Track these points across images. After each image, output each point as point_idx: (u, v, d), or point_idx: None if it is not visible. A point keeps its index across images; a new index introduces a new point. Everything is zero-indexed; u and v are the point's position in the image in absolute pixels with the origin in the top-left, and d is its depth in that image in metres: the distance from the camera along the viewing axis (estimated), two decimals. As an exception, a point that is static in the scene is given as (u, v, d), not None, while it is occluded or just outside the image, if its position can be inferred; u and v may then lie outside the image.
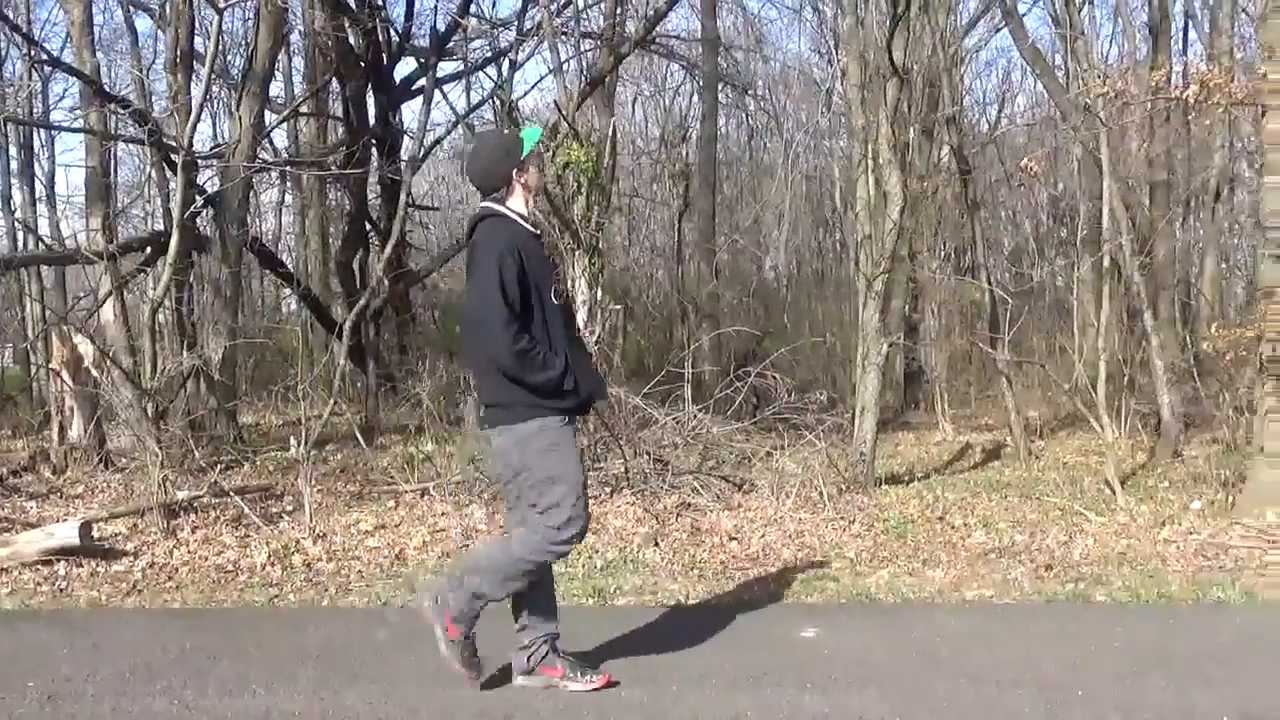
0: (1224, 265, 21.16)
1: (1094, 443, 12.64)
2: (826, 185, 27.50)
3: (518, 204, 4.94)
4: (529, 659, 5.01)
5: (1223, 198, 19.66)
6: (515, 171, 4.91)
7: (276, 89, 20.44)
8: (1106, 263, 11.93)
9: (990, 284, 15.91)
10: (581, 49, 15.59)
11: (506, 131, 5.41)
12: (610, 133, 13.14)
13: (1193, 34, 23.00)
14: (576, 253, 11.02)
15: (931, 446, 14.89)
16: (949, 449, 14.47)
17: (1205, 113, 8.89)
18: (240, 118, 13.26)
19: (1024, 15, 28.04)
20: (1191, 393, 13.98)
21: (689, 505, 9.36)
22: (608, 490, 9.66)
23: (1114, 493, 9.83)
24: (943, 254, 20.87)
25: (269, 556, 7.85)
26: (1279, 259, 8.72)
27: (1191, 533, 8.38)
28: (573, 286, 10.87)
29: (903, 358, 19.92)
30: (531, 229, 4.98)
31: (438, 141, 21.43)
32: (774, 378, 11.34)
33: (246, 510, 8.93)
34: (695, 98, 24.77)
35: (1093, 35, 19.89)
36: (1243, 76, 9.95)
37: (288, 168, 18.00)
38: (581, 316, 10.84)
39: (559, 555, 5.00)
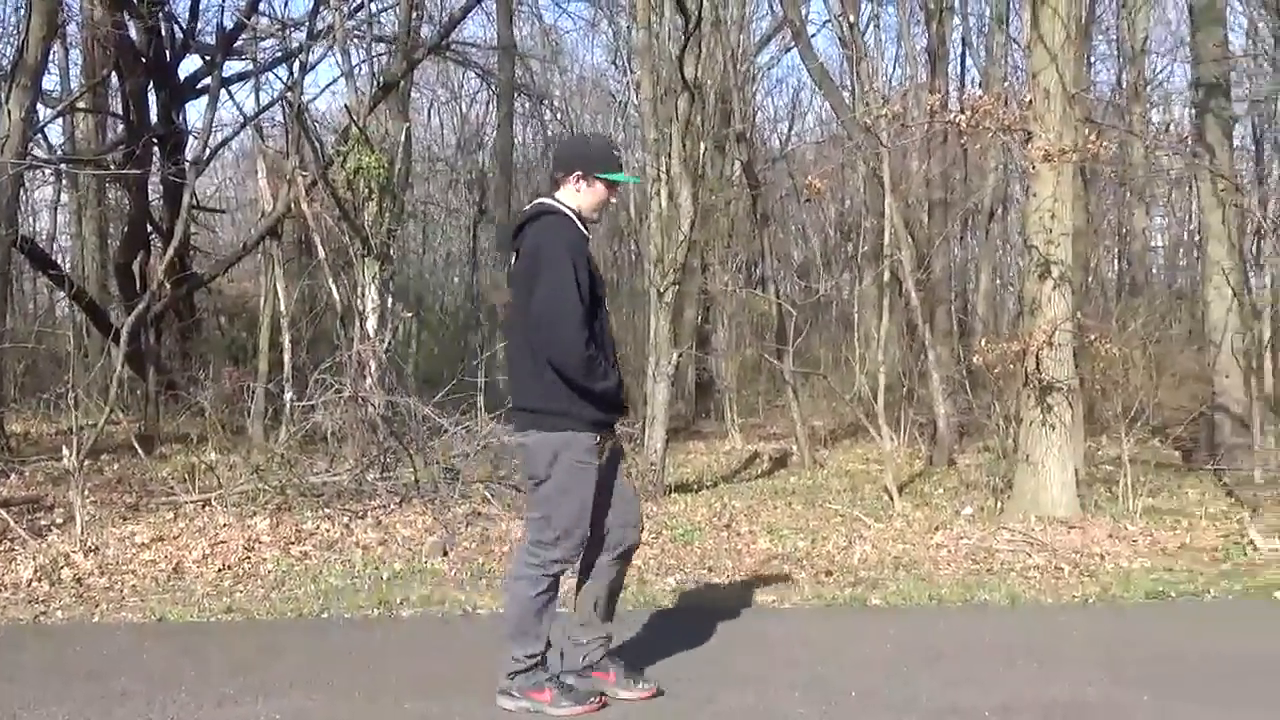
0: (998, 281, 22.14)
1: (875, 451, 13.08)
2: (622, 197, 27.74)
3: (572, 204, 4.83)
4: (584, 657, 4.93)
5: (996, 217, 20.63)
6: (580, 173, 4.79)
7: (51, 82, 19.47)
8: (887, 277, 12.38)
9: (778, 297, 16.31)
10: (374, 53, 15.36)
11: (615, 148, 5.14)
12: (404, 139, 13.00)
13: (971, 61, 24.09)
14: (366, 259, 10.85)
15: (721, 455, 15.18)
16: (738, 457, 14.77)
17: (977, 136, 9.30)
18: (9, 111, 12.61)
19: (814, 36, 28.90)
20: (966, 403, 14.60)
21: (480, 514, 9.30)
22: (397, 500, 9.54)
23: (892, 499, 10.20)
24: (734, 267, 21.28)
25: (35, 572, 7.47)
26: (1043, 276, 9.19)
27: (962, 537, 8.74)
28: (362, 294, 10.71)
29: (694, 368, 20.26)
30: (585, 233, 4.85)
31: (224, 143, 20.80)
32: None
33: (12, 523, 8.49)
34: (491, 106, 24.68)
35: (877, 58, 20.66)
36: (1015, 103, 10.46)
37: (63, 165, 17.19)
38: (371, 324, 10.69)
39: (554, 574, 4.79)
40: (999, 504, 9.86)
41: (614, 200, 5.02)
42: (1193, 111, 14.05)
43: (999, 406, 12.53)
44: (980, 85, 19.52)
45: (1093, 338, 9.87)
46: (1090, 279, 20.40)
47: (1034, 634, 6.24)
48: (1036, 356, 9.17)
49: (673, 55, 11.68)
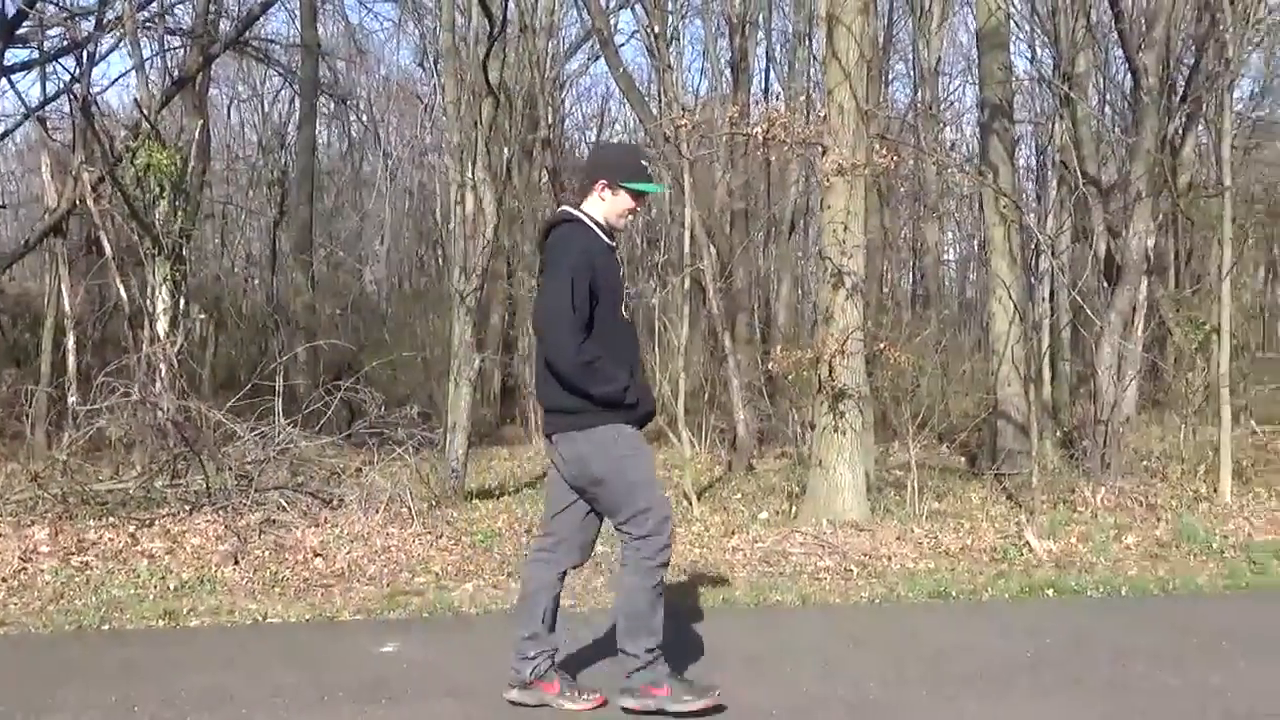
0: (799, 291, 22.74)
1: (676, 456, 13.24)
2: (429, 200, 27.52)
3: (596, 212, 4.84)
4: (530, 671, 4.88)
5: (797, 229, 21.17)
6: (606, 182, 4.81)
7: None
8: (689, 285, 12.56)
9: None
10: (167, 46, 14.87)
11: (644, 158, 5.08)
12: (199, 135, 12.62)
13: (774, 75, 24.67)
14: (157, 258, 10.49)
15: (525, 461, 15.18)
16: (541, 464, 14.76)
17: (775, 149, 9.53)
18: None
19: (622, 46, 29.16)
20: (765, 410, 14.94)
21: (274, 522, 9.06)
22: (187, 508, 9.23)
23: (690, 504, 10.35)
24: (540, 272, 21.33)
25: None
26: (836, 287, 9.47)
27: (757, 541, 8.92)
28: (152, 294, 10.35)
29: (500, 373, 20.21)
30: (608, 241, 4.86)
31: (5, 134, 19.84)
32: (369, 392, 11.21)
33: None
34: (294, 104, 24.17)
35: (681, 69, 20.97)
36: (812, 117, 10.76)
37: None
38: (162, 326, 10.33)
39: (663, 563, 4.85)
40: (794, 508, 10.11)
41: (640, 210, 5.11)
42: (978, 131, 14.64)
43: (796, 413, 12.88)
44: (783, 99, 20.00)
45: (882, 346, 10.21)
46: (885, 290, 21.10)
47: (822, 634, 6.42)
48: (829, 364, 9.42)
49: (478, 58, 11.63)
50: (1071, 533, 9.11)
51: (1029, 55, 22.73)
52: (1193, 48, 16.59)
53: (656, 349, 13.47)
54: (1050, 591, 7.46)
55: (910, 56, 25.63)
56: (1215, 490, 10.47)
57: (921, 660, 5.73)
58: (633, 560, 4.80)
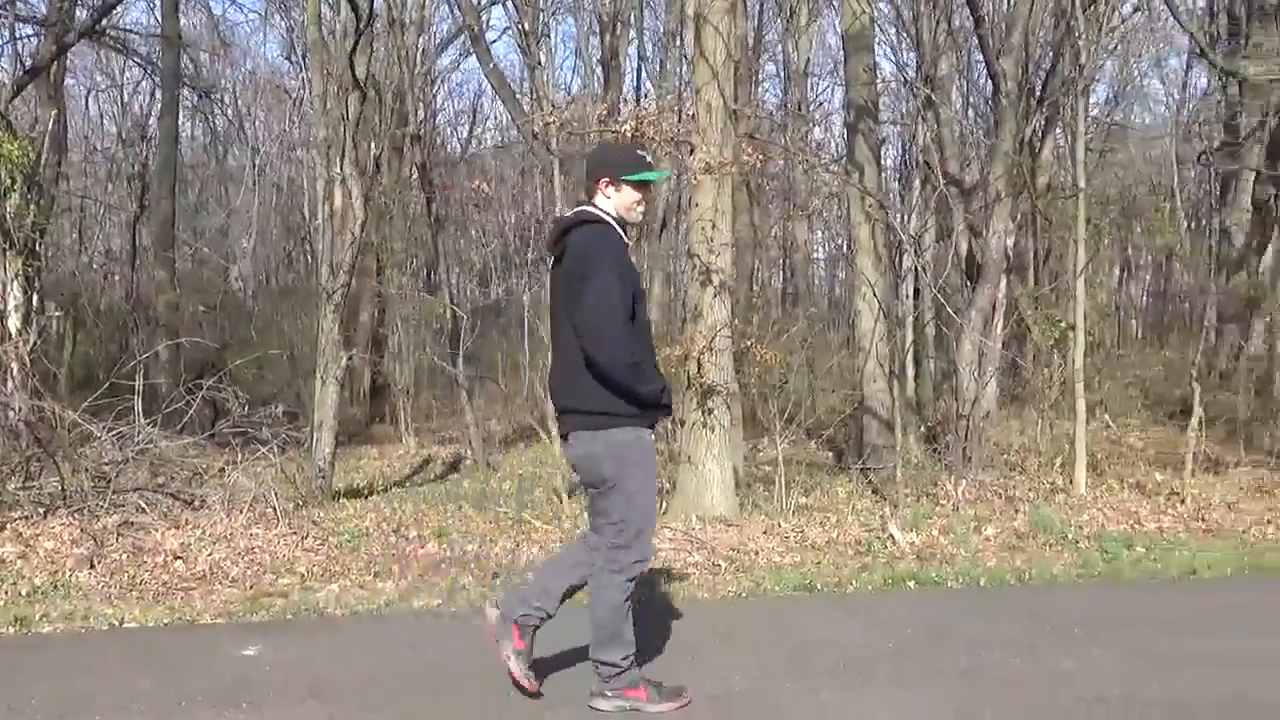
0: (671, 289, 22.84)
1: (549, 454, 13.23)
2: (297, 195, 27.07)
3: (607, 208, 4.89)
4: (517, 615, 4.97)
5: (669, 226, 21.27)
6: (607, 179, 4.87)
7: None
8: (558, 283, 12.51)
9: (451, 300, 16.28)
10: (19, 34, 14.38)
11: (640, 149, 5.39)
12: (53, 126, 12.23)
13: (646, 74, 24.75)
14: (8, 253, 10.14)
15: (394, 459, 15.02)
16: (411, 462, 14.65)
17: (643, 146, 9.54)
18: None
19: (494, 42, 29.03)
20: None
21: (132, 524, 8.83)
22: (41, 510, 8.94)
23: (561, 501, 10.34)
24: (411, 270, 21.11)
25: None
26: (704, 284, 9.55)
27: (626, 537, 8.94)
28: (3, 291, 10.01)
29: (370, 371, 19.97)
30: (624, 238, 4.90)
31: None
32: (233, 390, 10.99)
33: None
34: (155, 96, 23.57)
35: (554, 67, 20.95)
36: (686, 115, 10.82)
37: None
38: (14, 323, 10.00)
39: (633, 577, 4.85)
40: (663, 504, 10.16)
41: (648, 200, 5.13)
42: (845, 131, 14.87)
43: (668, 410, 12.92)
44: (651, 98, 20.10)
45: (749, 343, 10.33)
46: (755, 288, 21.33)
47: (689, 628, 6.46)
48: (698, 361, 9.50)
49: (346, 53, 11.47)
50: (933, 525, 9.31)
51: (894, 58, 23.21)
52: (1050, 53, 17.10)
53: (527, 346, 13.41)
54: (912, 583, 7.63)
55: (780, 57, 25.96)
56: (1071, 482, 10.79)
57: (786, 653, 5.81)
58: (603, 570, 4.84)
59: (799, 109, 23.44)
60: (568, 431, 4.88)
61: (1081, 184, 11.37)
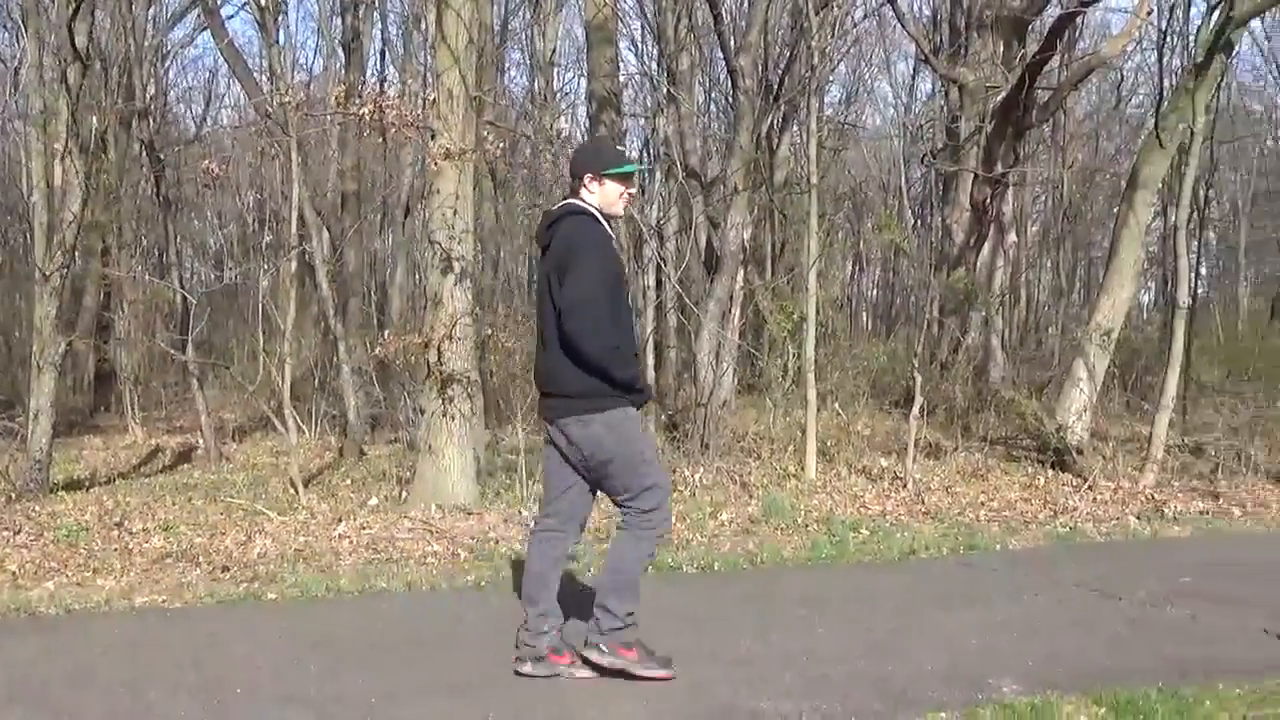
0: (415, 275, 22.58)
1: (284, 443, 12.87)
2: (14, 170, 25.46)
3: (595, 204, 5.13)
4: (546, 645, 5.15)
5: (413, 212, 21.00)
6: (590, 175, 5.11)
7: None
8: (294, 268, 12.21)
9: (181, 284, 15.63)
10: None
11: (616, 143, 5.01)
12: None
13: (390, 58, 24.34)
14: None
15: (120, 450, 14.34)
16: (138, 452, 14.02)
17: (384, 131, 9.38)
18: None
19: (231, 18, 28.01)
20: (379, 395, 14.75)
21: None
22: None
23: (297, 492, 10.08)
24: (141, 251, 20.16)
25: None
26: (445, 272, 9.46)
27: (365, 528, 8.81)
28: None
29: (95, 357, 19.00)
30: (609, 230, 5.13)
31: None
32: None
33: None
34: None
35: (295, 46, 20.35)
36: (430, 100, 10.65)
37: None
38: None
39: (663, 534, 5.33)
40: (404, 494, 10.04)
41: (631, 192, 5.34)
42: (588, 122, 15.00)
43: (409, 398, 12.78)
44: (395, 82, 19.79)
45: (489, 331, 10.30)
46: (503, 276, 21.30)
47: (426, 619, 6.41)
48: (438, 349, 9.41)
49: (64, 20, 10.84)
50: (672, 511, 9.48)
51: (638, 51, 23.53)
52: (787, 53, 17.65)
53: (261, 333, 13.00)
54: (650, 569, 7.75)
55: (526, 46, 25.96)
56: (802, 468, 11.20)
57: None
58: (636, 527, 5.13)
59: (545, 98, 23.49)
60: (559, 416, 5.08)
61: (815, 180, 11.79)
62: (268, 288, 13.57)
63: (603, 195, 5.15)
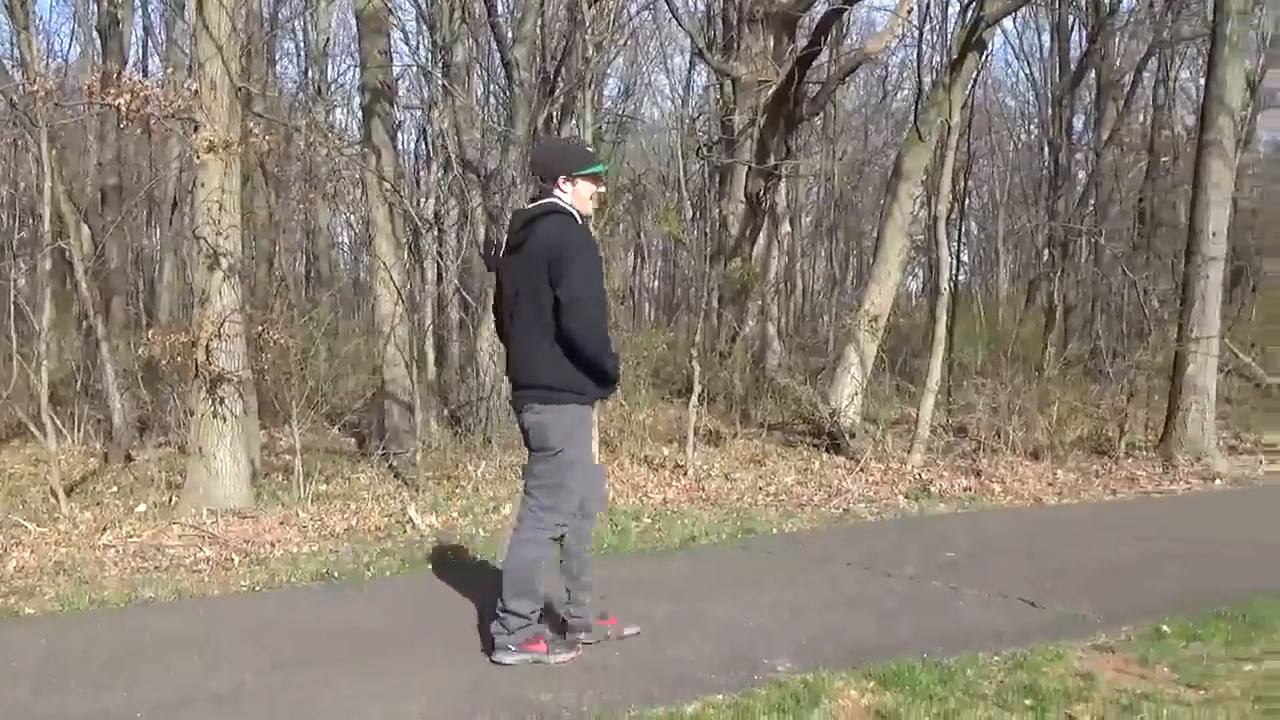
0: (184, 272, 21.76)
1: (43, 450, 12.23)
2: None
3: (569, 203, 5.25)
4: (591, 615, 5.56)
5: (181, 206, 20.23)
6: (564, 176, 5.24)
7: None
8: (49, 265, 11.61)
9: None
10: None
11: (588, 146, 6.09)
12: None
13: (153, 46, 23.39)
14: None
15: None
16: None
17: (139, 122, 8.95)
18: None
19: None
20: (146, 397, 14.15)
21: None
22: None
23: (58, 501, 9.59)
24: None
25: None
26: (212, 268, 9.14)
27: (132, 536, 8.45)
28: None
29: None
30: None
31: None
32: None
33: None
34: None
35: (48, 32, 19.37)
36: (192, 91, 10.24)
37: None
38: None
39: (556, 537, 5.30)
40: (174, 499, 9.67)
41: (601, 190, 5.48)
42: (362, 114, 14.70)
43: (178, 400, 12.30)
44: (158, 71, 19.05)
45: (260, 328, 9.99)
46: (275, 273, 20.72)
47: (199, 627, 6.18)
48: (206, 348, 9.08)
49: None
50: (454, 507, 9.43)
51: (412, 42, 23.24)
52: (563, 44, 17.67)
53: (14, 333, 12.32)
54: (429, 566, 7.67)
55: (299, 35, 25.30)
56: (584, 459, 11.23)
57: (301, 644, 5.72)
58: (531, 529, 5.26)
59: (318, 89, 22.95)
60: (524, 405, 5.29)
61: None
62: (23, 287, 12.86)
63: (575, 195, 5.29)
